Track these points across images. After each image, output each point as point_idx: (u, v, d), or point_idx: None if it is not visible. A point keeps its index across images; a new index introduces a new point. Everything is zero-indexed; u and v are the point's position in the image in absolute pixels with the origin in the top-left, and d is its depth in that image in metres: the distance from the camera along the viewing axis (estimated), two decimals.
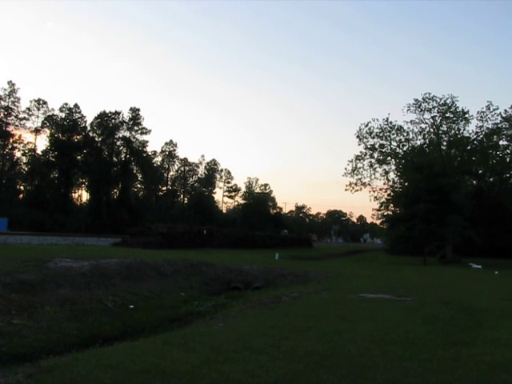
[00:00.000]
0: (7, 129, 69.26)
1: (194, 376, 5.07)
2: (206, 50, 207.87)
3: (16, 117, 70.15)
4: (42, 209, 62.55)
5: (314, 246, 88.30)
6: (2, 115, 68.55)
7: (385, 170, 52.58)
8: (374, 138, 51.45)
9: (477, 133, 49.78)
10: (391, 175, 53.32)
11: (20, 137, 72.65)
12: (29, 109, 72.11)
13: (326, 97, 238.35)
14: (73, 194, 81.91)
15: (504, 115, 48.12)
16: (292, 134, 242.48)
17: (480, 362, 6.07)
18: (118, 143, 77.51)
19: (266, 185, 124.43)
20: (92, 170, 71.76)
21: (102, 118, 75.30)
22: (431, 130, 51.12)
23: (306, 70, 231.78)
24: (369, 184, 52.40)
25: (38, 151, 74.87)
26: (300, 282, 19.02)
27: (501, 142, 50.03)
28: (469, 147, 50.29)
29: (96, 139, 75.51)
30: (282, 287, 17.44)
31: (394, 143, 51.80)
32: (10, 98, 69.11)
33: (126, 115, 77.47)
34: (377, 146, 51.66)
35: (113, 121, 76.05)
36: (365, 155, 51.99)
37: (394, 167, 53.15)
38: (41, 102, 73.36)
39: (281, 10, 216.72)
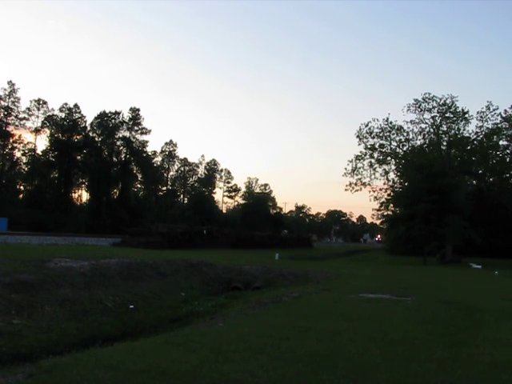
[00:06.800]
0: (7, 129, 69.27)
1: (194, 376, 5.06)
2: (205, 50, 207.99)
3: (16, 117, 70.22)
4: (42, 209, 62.62)
5: (314, 246, 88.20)
6: (1, 115, 68.56)
7: (385, 170, 52.69)
8: (374, 137, 51.54)
9: (477, 133, 49.85)
10: (391, 175, 53.47)
11: (20, 137, 72.80)
12: (29, 109, 72.20)
13: (326, 97, 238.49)
14: (73, 194, 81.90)
15: (504, 115, 48.24)
16: (292, 134, 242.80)
17: (480, 362, 6.06)
18: (118, 143, 77.61)
19: (265, 185, 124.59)
20: (92, 170, 71.81)
21: (102, 118, 75.35)
22: (431, 130, 51.17)
23: (306, 71, 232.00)
24: (369, 184, 52.51)
25: (38, 151, 75.06)
26: (300, 282, 19.00)
27: (501, 142, 50.14)
28: (469, 147, 50.31)
29: (96, 139, 75.58)
30: (281, 287, 17.43)
31: (394, 143, 51.90)
32: (9, 97, 69.17)
33: (126, 115, 77.65)
34: (377, 146, 51.71)
35: (113, 121, 76.14)
36: (365, 155, 52.06)
37: (394, 167, 53.28)
38: (41, 102, 73.45)
39: (279, 10, 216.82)
